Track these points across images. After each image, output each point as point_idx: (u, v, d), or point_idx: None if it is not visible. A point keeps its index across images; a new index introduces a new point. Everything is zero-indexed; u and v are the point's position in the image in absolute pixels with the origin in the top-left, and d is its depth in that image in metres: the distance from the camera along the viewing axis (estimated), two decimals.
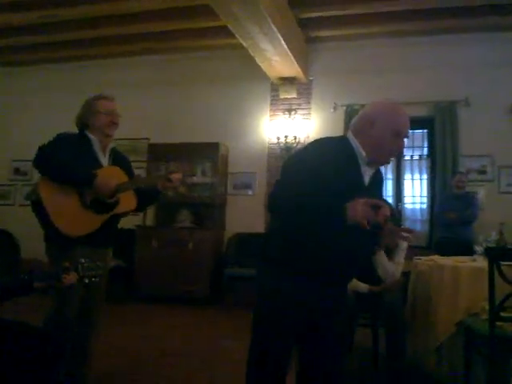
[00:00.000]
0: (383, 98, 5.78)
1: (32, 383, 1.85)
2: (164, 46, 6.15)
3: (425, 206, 5.73)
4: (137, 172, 2.82)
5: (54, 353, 1.92)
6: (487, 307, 2.31)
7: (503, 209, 5.10)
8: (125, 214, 2.51)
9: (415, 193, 5.79)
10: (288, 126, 5.87)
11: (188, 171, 2.71)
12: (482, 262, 2.94)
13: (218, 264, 5.71)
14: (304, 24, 5.48)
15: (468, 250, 3.76)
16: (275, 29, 4.41)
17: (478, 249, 3.40)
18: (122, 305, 5.32)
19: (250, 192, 6.08)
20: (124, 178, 2.44)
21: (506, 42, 5.35)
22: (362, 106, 5.69)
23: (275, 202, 1.68)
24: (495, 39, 5.38)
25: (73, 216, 2.31)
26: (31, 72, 6.97)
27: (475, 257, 3.32)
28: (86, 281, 2.05)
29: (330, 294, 1.78)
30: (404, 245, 3.12)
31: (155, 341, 3.86)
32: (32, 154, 2.44)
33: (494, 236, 3.65)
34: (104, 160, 2.48)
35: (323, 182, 1.59)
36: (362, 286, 2.98)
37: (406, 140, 1.78)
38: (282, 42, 4.70)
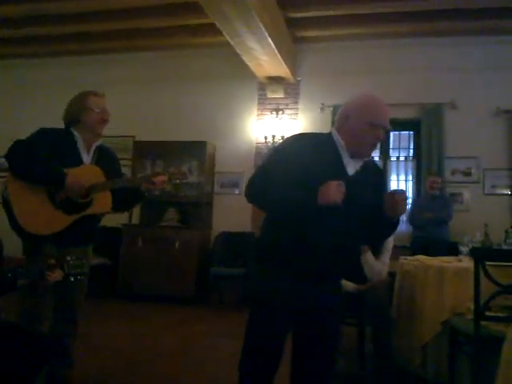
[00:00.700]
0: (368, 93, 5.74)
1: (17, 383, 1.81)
2: (151, 43, 6.10)
3: (409, 207, 5.76)
4: (122, 170, 2.76)
5: (39, 353, 1.88)
6: (472, 307, 2.33)
7: (488, 210, 5.18)
8: (100, 215, 2.46)
9: None
10: (275, 125, 5.87)
11: (179, 175, 2.63)
12: (467, 262, 2.97)
13: (204, 263, 5.68)
14: (292, 24, 5.48)
15: (443, 250, 3.82)
16: (263, 28, 4.40)
17: (464, 249, 3.44)
18: (107, 303, 5.27)
19: (236, 191, 6.07)
20: (101, 178, 2.37)
21: (495, 45, 5.42)
22: None
23: (249, 191, 1.77)
24: (483, 42, 5.45)
25: (39, 214, 2.26)
26: (17, 67, 6.84)
27: (461, 257, 3.35)
28: (72, 279, 2.02)
29: (318, 292, 1.78)
30: (390, 244, 3.15)
31: (142, 339, 3.82)
32: None
33: (478, 237, 3.70)
34: (87, 158, 2.42)
35: (301, 171, 1.66)
36: (349, 285, 2.99)
37: (389, 134, 1.78)
38: (270, 41, 4.69)
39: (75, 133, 2.40)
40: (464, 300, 2.72)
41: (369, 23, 5.39)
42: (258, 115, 6.09)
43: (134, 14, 5.30)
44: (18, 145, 2.31)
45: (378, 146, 5.94)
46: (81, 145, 2.41)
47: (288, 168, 1.69)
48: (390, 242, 3.15)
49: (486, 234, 3.81)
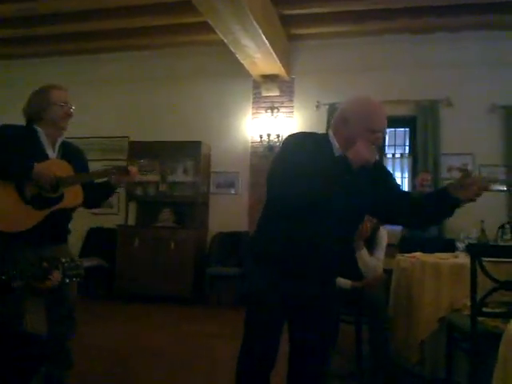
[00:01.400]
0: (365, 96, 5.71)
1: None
2: (145, 42, 6.06)
3: None
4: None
5: (36, 355, 1.86)
6: (469, 303, 2.33)
7: (484, 206, 5.13)
8: (72, 209, 2.38)
9: None
10: (271, 124, 5.85)
11: (148, 167, 2.59)
12: (464, 259, 2.96)
13: (200, 263, 5.65)
14: (286, 21, 5.46)
15: (434, 247, 3.80)
16: (257, 25, 4.37)
17: (460, 245, 3.43)
18: (103, 304, 5.25)
19: (232, 191, 6.04)
20: (69, 173, 2.29)
21: (490, 41, 5.40)
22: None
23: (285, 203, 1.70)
24: (479, 39, 5.43)
25: (7, 211, 2.17)
26: (12, 67, 6.79)
27: (457, 253, 3.34)
28: (67, 280, 1.99)
29: (314, 289, 1.78)
30: (383, 241, 3.14)
31: (138, 340, 3.81)
32: None
33: (475, 233, 3.70)
34: (53, 154, 2.34)
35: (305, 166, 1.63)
36: (344, 282, 2.98)
37: (385, 134, 1.77)
38: (264, 38, 4.66)
39: (38, 129, 2.31)
40: (461, 296, 2.72)
41: (363, 20, 5.37)
42: (253, 114, 6.07)
43: (127, 13, 5.26)
44: None
45: None
46: (45, 141, 2.32)
47: (298, 163, 1.66)
48: (384, 239, 3.14)
49: (482, 230, 3.80)
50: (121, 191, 6.08)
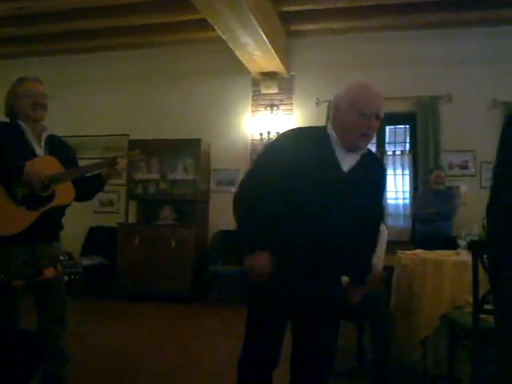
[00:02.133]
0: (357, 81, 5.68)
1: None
2: (143, 40, 6.04)
3: (407, 201, 5.75)
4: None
5: (35, 354, 1.86)
6: (471, 300, 2.32)
7: (485, 203, 5.12)
8: (64, 207, 2.34)
9: (398, 188, 5.81)
10: (270, 121, 5.83)
11: (137, 155, 2.59)
12: (465, 256, 2.95)
13: (201, 261, 5.65)
14: (285, 18, 5.43)
15: (448, 244, 3.79)
16: (256, 23, 4.35)
17: (462, 243, 3.42)
18: (104, 302, 5.25)
19: (233, 189, 6.02)
20: (59, 169, 2.26)
21: (490, 37, 5.38)
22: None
23: (236, 199, 1.78)
24: (479, 34, 5.40)
25: (2, 214, 2.13)
26: (10, 66, 6.77)
27: (459, 250, 3.33)
28: (66, 278, 1.99)
29: (318, 288, 1.75)
30: (384, 238, 3.12)
31: (138, 338, 3.81)
32: None
33: (476, 230, 3.68)
34: (39, 150, 2.29)
35: (292, 170, 1.65)
36: (344, 280, 2.96)
37: (382, 118, 1.72)
38: (263, 36, 4.64)
39: (22, 124, 2.27)
40: (462, 293, 2.71)
41: (363, 16, 5.35)
42: (253, 111, 6.05)
43: (126, 11, 5.24)
44: None
45: (374, 139, 5.94)
46: (30, 136, 2.27)
47: (277, 170, 1.67)
48: (384, 236, 3.13)
49: (484, 227, 3.78)
50: (121, 190, 6.09)
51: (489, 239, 1.58)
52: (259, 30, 4.50)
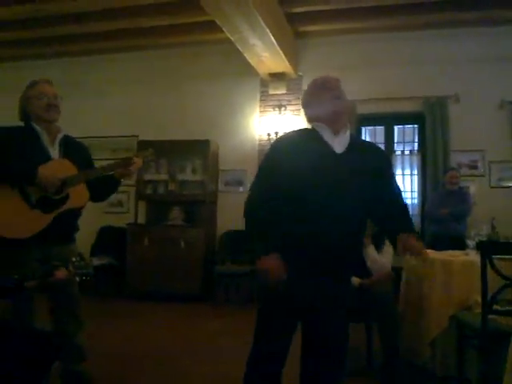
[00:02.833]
0: (373, 93, 5.76)
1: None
2: (152, 42, 6.08)
3: (416, 201, 5.73)
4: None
5: (48, 354, 1.89)
6: (480, 301, 2.32)
7: (494, 203, 5.12)
8: (79, 209, 2.37)
9: (406, 188, 5.80)
10: (278, 122, 5.84)
11: (150, 155, 2.62)
12: (474, 256, 2.95)
13: (209, 261, 5.68)
14: (293, 19, 5.45)
15: (460, 245, 3.76)
16: (264, 24, 4.37)
17: (470, 243, 3.41)
18: (113, 302, 5.29)
19: (241, 189, 6.05)
20: (73, 171, 2.27)
21: (497, 36, 5.35)
22: (352, 101, 5.70)
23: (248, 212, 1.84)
24: (486, 34, 5.38)
25: (15, 218, 2.16)
26: (19, 68, 6.86)
27: (467, 251, 3.32)
28: (77, 279, 2.02)
29: (328, 286, 1.77)
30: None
31: (147, 339, 3.83)
32: None
33: (485, 230, 3.67)
34: (54, 152, 2.31)
35: (293, 167, 1.74)
36: (352, 280, 2.97)
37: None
38: (271, 37, 4.66)
39: (36, 127, 2.30)
40: (471, 294, 2.71)
41: (370, 17, 5.34)
42: (261, 112, 6.07)
43: (134, 13, 5.28)
44: None
45: (383, 138, 5.92)
46: (45, 139, 2.30)
47: (280, 173, 1.76)
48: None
49: (493, 227, 3.78)
50: (131, 190, 6.14)
51: None
52: (267, 31, 4.52)
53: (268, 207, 1.74)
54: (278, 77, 5.89)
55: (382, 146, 5.91)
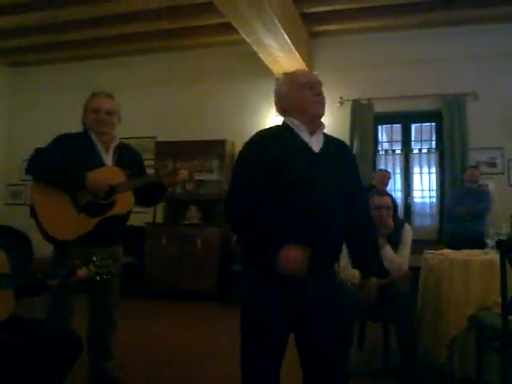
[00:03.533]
0: (390, 91, 5.71)
1: (48, 382, 1.87)
2: (169, 44, 6.16)
3: (434, 200, 5.68)
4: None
5: (70, 352, 1.94)
6: (499, 301, 2.30)
7: None
8: (125, 215, 2.48)
9: (424, 186, 5.74)
10: None
11: (199, 167, 2.70)
12: (493, 255, 2.91)
13: (225, 260, 5.71)
14: (308, 19, 5.45)
15: (479, 244, 3.72)
16: (279, 24, 4.39)
17: (490, 242, 3.37)
18: (131, 301, 5.35)
19: None
20: (121, 179, 2.40)
21: None
22: (369, 100, 5.68)
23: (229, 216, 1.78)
24: (503, 30, 5.31)
25: (61, 219, 2.31)
26: (39, 72, 7.03)
27: (487, 250, 3.29)
28: (98, 278, 2.06)
29: (317, 283, 1.68)
30: (408, 238, 3.11)
31: (166, 337, 3.88)
32: None
33: (505, 229, 3.62)
34: (107, 158, 2.45)
35: (270, 168, 1.65)
36: (371, 279, 2.95)
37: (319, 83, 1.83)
38: (286, 37, 4.68)
39: (92, 135, 2.44)
40: (491, 294, 2.68)
41: (385, 15, 5.32)
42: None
43: (151, 16, 5.37)
44: (37, 153, 2.40)
45: (400, 136, 5.86)
46: (99, 146, 2.44)
47: (257, 172, 1.67)
48: (409, 236, 3.11)
49: None
50: None
51: None
52: (282, 32, 4.53)
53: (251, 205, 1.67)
54: None
55: (400, 145, 5.88)
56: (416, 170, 5.76)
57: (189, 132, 6.11)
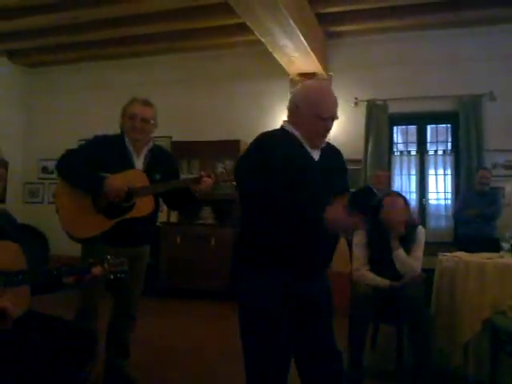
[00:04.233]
0: (405, 92, 5.67)
1: (63, 377, 1.90)
2: (184, 45, 6.20)
3: (449, 202, 5.62)
4: None
5: (87, 348, 1.97)
6: None
7: None
8: (149, 216, 2.53)
9: (439, 188, 5.69)
10: None
11: (226, 176, 2.72)
12: (509, 259, 2.88)
13: None
14: (323, 19, 5.44)
15: (494, 247, 3.68)
16: (294, 25, 4.39)
17: (505, 245, 3.33)
18: (146, 300, 5.39)
19: None
20: (144, 183, 2.46)
21: None
22: (384, 100, 5.65)
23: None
24: None
25: (79, 217, 2.41)
26: (57, 72, 7.14)
27: (502, 253, 3.25)
28: (111, 276, 2.09)
29: (315, 286, 1.78)
30: (421, 240, 3.09)
31: (181, 336, 3.91)
32: (58, 153, 2.56)
33: None
34: (138, 162, 2.52)
35: (276, 172, 1.64)
36: (383, 282, 2.95)
37: (336, 118, 1.84)
38: (301, 37, 4.68)
39: (126, 139, 2.52)
40: (506, 297, 2.65)
41: (400, 16, 5.28)
42: None
43: (166, 17, 5.42)
44: (66, 154, 2.51)
45: (415, 138, 5.82)
46: (132, 150, 2.52)
47: (264, 173, 1.66)
48: (422, 238, 3.09)
49: None
50: None
51: None
52: (298, 32, 4.54)
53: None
54: (307, 77, 5.85)
55: (415, 146, 5.84)
56: (431, 171, 5.71)
57: (204, 132, 6.15)
